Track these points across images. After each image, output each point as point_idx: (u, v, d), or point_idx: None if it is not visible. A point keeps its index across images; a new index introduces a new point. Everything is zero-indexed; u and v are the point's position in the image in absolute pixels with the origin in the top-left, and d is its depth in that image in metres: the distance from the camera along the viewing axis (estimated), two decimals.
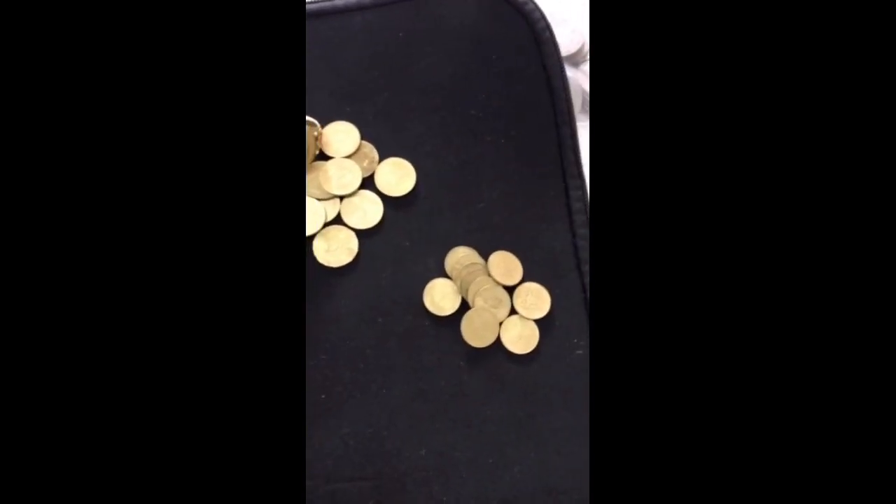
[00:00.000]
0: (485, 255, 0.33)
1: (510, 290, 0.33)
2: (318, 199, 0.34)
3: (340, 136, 0.35)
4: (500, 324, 0.32)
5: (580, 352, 0.32)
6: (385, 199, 0.34)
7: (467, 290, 0.32)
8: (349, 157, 0.35)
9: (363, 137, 0.35)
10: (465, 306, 0.33)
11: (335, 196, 0.34)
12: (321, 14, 0.36)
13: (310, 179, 0.34)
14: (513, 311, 0.33)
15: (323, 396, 0.31)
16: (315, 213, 0.33)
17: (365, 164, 0.34)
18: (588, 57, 0.41)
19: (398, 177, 0.34)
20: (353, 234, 0.33)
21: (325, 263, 0.33)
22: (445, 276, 0.33)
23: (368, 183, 0.34)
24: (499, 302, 0.32)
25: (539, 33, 0.36)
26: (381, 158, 0.35)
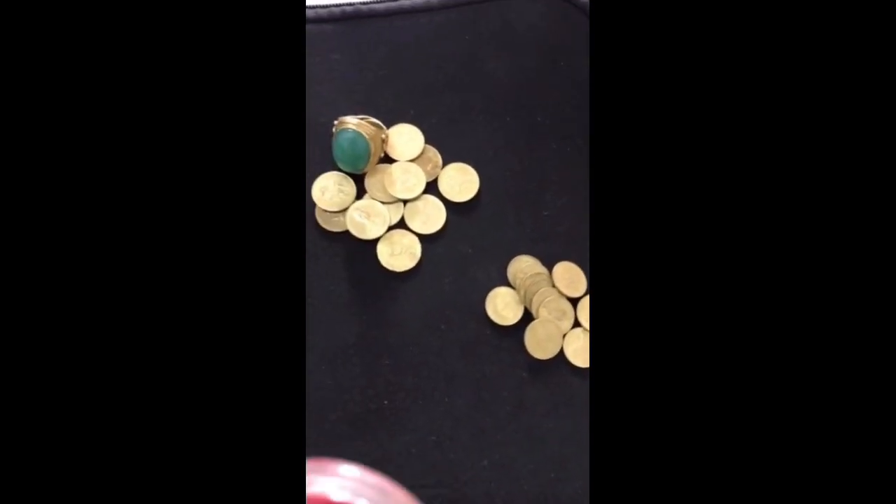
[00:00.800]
0: (548, 265, 0.33)
1: (574, 301, 0.33)
2: (383, 203, 0.33)
3: (405, 139, 0.34)
4: (564, 336, 0.32)
5: None
6: (448, 204, 0.34)
7: (531, 301, 0.32)
8: (413, 160, 0.34)
9: (427, 141, 0.35)
10: (527, 316, 0.32)
11: (399, 200, 0.33)
12: (388, 14, 0.36)
13: (374, 182, 0.34)
14: (576, 324, 0.32)
15: (386, 402, 0.30)
16: (380, 216, 0.33)
17: (428, 168, 0.34)
18: None
19: (461, 182, 0.34)
20: (416, 238, 0.33)
21: (389, 267, 0.33)
22: (508, 284, 0.33)
23: (432, 187, 0.34)
24: (563, 314, 0.32)
25: None
26: (445, 163, 0.34)
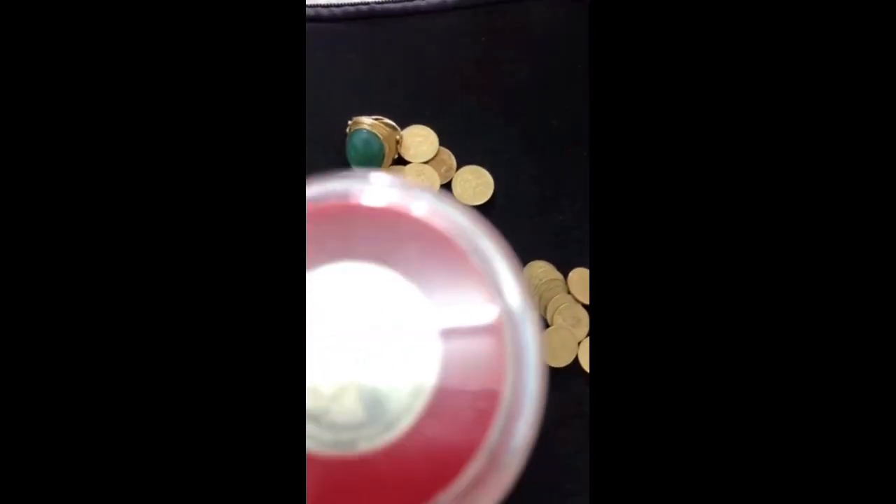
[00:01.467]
0: (564, 271, 0.32)
1: (589, 308, 0.32)
2: None
3: (419, 141, 0.34)
4: (579, 344, 0.31)
5: None
6: None
7: (545, 308, 0.31)
8: (427, 162, 0.34)
9: (441, 143, 0.34)
10: (541, 323, 0.32)
11: None
12: (403, 14, 0.36)
13: None
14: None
15: None
16: None
17: (442, 170, 0.34)
18: None
19: (476, 185, 0.34)
20: None
21: None
22: None
23: (445, 190, 0.34)
24: (577, 321, 0.31)
25: None
26: (459, 165, 0.34)
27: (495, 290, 0.17)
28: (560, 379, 0.31)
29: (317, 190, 0.19)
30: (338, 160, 0.33)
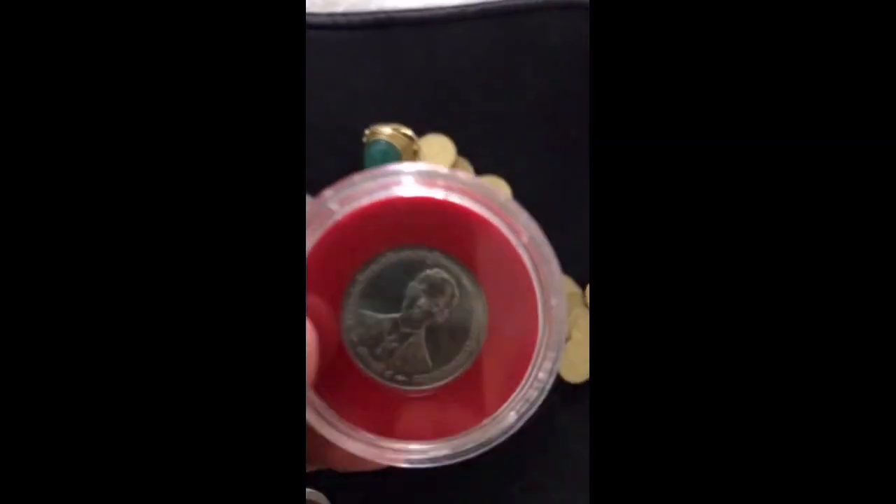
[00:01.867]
0: (582, 284, 0.32)
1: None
2: None
3: (436, 150, 0.34)
4: None
5: None
6: None
7: None
8: None
9: (459, 152, 0.34)
10: None
11: None
12: (421, 24, 0.35)
13: None
14: None
15: None
16: None
17: None
18: None
19: None
20: None
21: None
22: None
23: None
24: None
25: None
26: (477, 175, 0.33)
27: (531, 265, 0.23)
28: (578, 394, 0.31)
29: (371, 185, 0.23)
30: (354, 170, 0.33)
